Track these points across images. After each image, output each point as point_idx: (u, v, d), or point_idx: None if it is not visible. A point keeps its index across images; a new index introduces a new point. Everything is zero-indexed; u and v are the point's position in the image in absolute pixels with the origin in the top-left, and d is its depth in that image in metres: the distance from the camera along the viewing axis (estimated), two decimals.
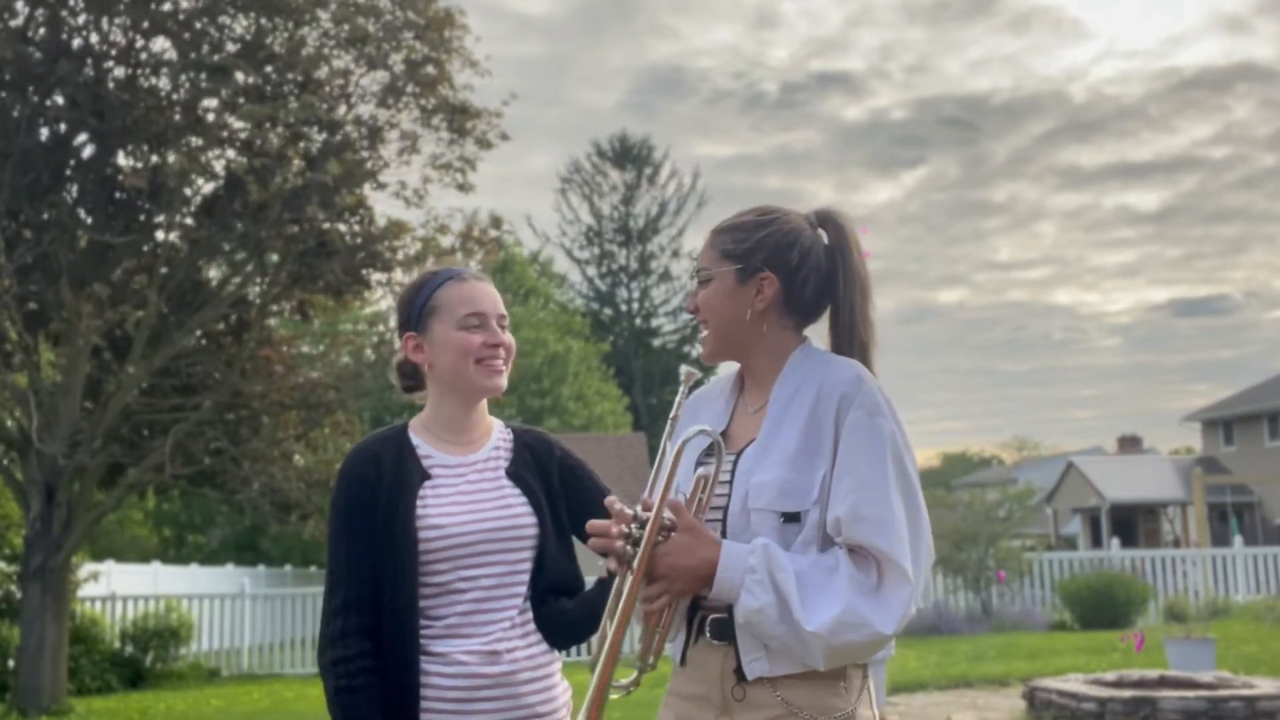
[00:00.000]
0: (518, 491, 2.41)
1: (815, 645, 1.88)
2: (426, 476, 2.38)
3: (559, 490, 2.48)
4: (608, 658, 1.93)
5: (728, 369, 2.26)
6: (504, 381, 2.45)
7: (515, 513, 2.38)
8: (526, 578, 2.38)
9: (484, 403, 2.51)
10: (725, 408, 2.18)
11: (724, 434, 2.13)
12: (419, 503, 2.33)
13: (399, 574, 2.29)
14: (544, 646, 2.38)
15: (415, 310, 2.45)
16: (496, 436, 2.51)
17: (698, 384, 2.22)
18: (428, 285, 2.47)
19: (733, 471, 2.05)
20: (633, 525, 1.97)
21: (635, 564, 1.93)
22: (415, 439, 2.44)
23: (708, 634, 2.01)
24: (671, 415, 2.10)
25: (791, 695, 1.95)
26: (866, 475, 1.94)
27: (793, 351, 2.11)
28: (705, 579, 1.94)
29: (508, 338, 2.46)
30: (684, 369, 2.12)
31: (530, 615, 2.37)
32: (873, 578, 1.91)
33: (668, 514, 1.97)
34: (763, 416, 2.08)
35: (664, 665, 2.05)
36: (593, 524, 2.02)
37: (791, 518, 1.96)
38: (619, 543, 1.97)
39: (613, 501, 2.04)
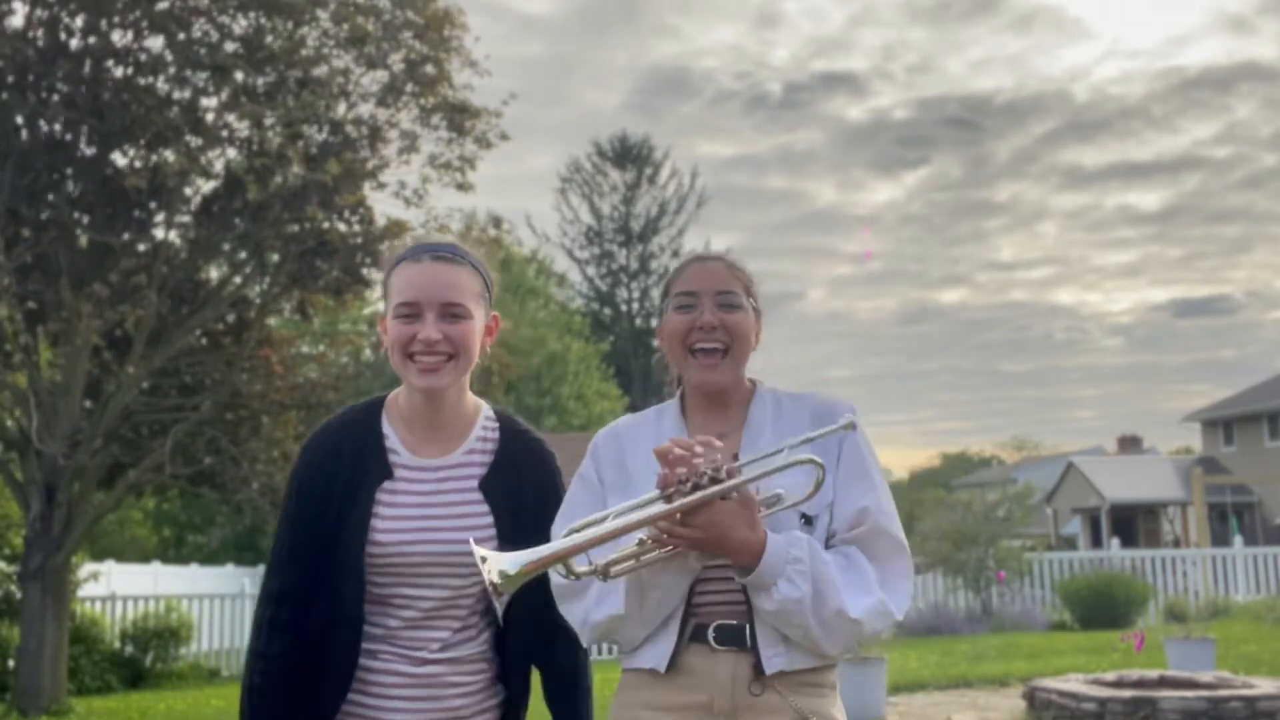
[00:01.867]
0: (484, 509, 2.19)
1: (848, 632, 1.99)
2: (387, 475, 2.18)
3: (530, 507, 2.22)
4: (589, 540, 1.90)
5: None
6: (441, 381, 2.13)
7: (473, 534, 2.11)
8: (473, 597, 2.20)
9: (458, 395, 2.22)
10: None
11: None
12: (374, 509, 2.16)
13: (343, 579, 2.15)
14: (475, 649, 2.22)
15: (384, 293, 2.24)
16: (477, 435, 2.25)
17: None
18: (393, 266, 2.21)
19: None
20: (704, 476, 1.92)
21: (683, 502, 1.91)
22: (386, 427, 2.22)
23: (711, 640, 2.03)
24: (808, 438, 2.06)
25: (802, 703, 2.04)
26: (875, 477, 2.17)
27: (745, 387, 2.23)
28: (745, 554, 1.96)
29: (444, 330, 2.12)
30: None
31: (471, 623, 2.22)
32: (880, 569, 2.08)
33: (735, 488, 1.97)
34: (737, 441, 2.15)
35: (609, 672, 1.98)
36: (671, 446, 1.95)
37: (808, 520, 2.10)
38: (677, 481, 1.94)
39: (701, 442, 1.99)
